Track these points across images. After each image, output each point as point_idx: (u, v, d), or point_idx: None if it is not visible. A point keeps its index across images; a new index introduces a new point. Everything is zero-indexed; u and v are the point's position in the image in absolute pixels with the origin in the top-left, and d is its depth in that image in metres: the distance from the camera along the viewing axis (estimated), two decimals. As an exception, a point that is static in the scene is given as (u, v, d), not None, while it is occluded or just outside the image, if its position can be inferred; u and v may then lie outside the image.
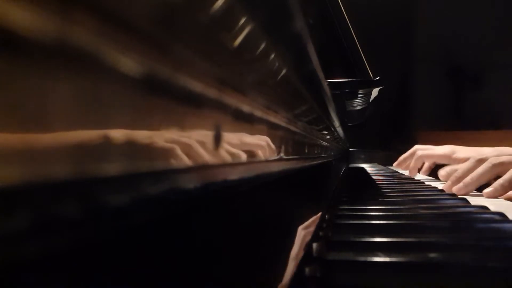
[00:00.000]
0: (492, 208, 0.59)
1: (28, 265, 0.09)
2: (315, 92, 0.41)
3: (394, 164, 1.49)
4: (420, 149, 1.32)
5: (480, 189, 0.92)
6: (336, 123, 0.77)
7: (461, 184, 0.88)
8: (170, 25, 0.12)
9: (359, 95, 0.97)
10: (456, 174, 0.89)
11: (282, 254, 0.29)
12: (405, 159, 1.39)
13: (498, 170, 0.85)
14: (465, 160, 1.00)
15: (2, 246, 0.08)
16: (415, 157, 1.30)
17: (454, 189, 0.88)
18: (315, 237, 0.39)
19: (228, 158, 0.19)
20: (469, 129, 2.50)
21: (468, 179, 0.87)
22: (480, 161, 0.88)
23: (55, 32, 0.08)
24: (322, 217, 0.47)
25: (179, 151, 0.14)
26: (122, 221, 0.11)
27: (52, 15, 0.08)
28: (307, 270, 0.33)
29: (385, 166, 2.01)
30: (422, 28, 2.74)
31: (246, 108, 0.21)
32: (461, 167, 0.91)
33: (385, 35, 2.62)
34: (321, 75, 0.39)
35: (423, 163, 1.32)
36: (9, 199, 0.08)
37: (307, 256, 0.33)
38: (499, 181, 0.81)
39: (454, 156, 1.16)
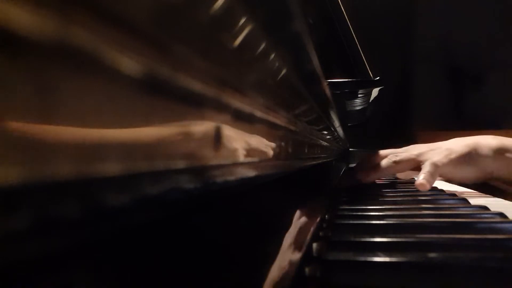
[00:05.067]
0: (492, 208, 0.59)
1: (28, 265, 0.09)
2: (315, 92, 0.41)
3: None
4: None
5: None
6: (336, 123, 0.77)
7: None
8: (170, 25, 0.12)
9: (359, 95, 0.96)
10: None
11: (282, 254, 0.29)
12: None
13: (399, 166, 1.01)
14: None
15: (2, 246, 0.08)
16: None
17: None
18: (315, 237, 0.39)
19: (228, 158, 0.19)
20: (469, 129, 2.48)
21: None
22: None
23: (55, 32, 0.08)
24: (322, 217, 0.47)
25: (179, 151, 0.14)
26: (122, 221, 0.11)
27: (52, 15, 0.08)
28: (307, 270, 0.33)
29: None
30: (422, 28, 2.74)
31: (245, 108, 0.21)
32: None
33: (385, 35, 2.61)
34: (321, 75, 0.39)
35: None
36: (9, 199, 0.08)
37: (307, 256, 0.33)
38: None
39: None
